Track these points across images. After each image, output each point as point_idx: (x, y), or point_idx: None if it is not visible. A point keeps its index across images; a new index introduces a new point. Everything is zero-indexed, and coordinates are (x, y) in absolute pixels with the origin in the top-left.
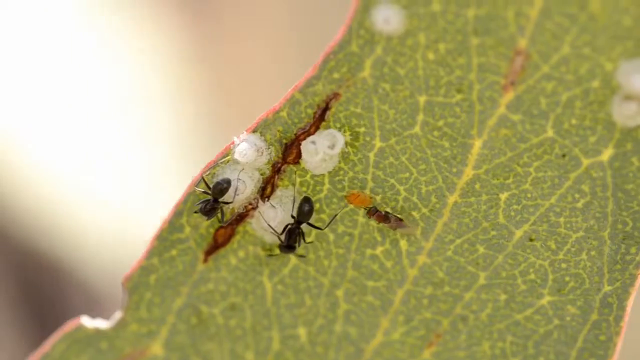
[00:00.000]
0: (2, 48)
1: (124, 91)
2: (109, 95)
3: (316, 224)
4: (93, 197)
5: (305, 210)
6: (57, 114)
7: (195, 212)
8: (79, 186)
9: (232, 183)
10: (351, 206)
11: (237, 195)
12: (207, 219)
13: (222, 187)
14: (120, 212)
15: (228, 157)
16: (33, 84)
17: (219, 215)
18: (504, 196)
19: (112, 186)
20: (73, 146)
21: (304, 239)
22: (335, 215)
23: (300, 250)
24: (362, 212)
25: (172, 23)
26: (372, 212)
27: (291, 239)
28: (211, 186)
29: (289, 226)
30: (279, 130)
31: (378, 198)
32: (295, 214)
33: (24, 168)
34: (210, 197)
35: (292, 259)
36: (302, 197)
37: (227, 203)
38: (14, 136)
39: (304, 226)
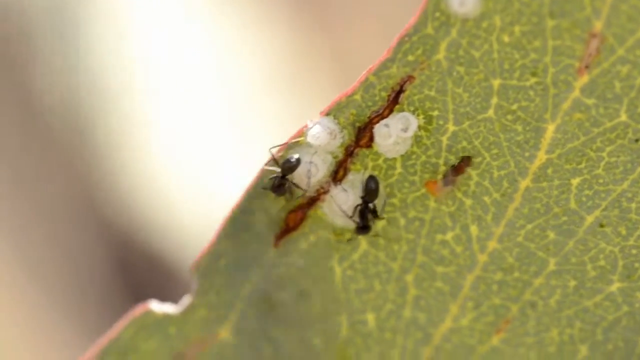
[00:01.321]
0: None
1: (224, 79)
2: (202, 80)
3: (388, 208)
4: (188, 183)
5: (371, 188)
6: (149, 100)
7: (264, 187)
8: (174, 173)
9: (304, 165)
10: (423, 191)
11: (310, 178)
12: (276, 195)
13: (291, 165)
14: (213, 198)
15: (301, 140)
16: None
17: (288, 195)
18: (575, 181)
19: (206, 172)
20: (161, 131)
21: (375, 215)
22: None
23: (371, 233)
24: (433, 196)
25: (277, 12)
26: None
27: (364, 219)
28: (280, 163)
29: (359, 207)
30: (352, 114)
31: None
32: (362, 194)
33: (118, 157)
34: (279, 174)
35: (363, 243)
36: (367, 176)
37: (299, 188)
38: (105, 124)
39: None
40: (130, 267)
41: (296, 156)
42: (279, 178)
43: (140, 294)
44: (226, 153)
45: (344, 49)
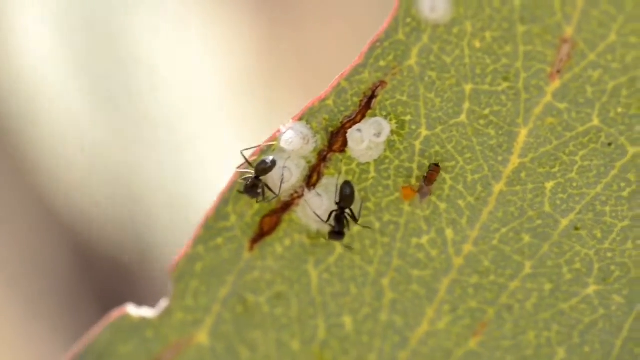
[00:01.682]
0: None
1: (190, 85)
2: (173, 88)
3: (363, 212)
4: (153, 185)
5: (346, 193)
6: (124, 110)
7: (239, 191)
8: (143, 175)
9: (278, 170)
10: (397, 195)
11: (283, 183)
12: (249, 197)
13: (266, 166)
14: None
15: (274, 145)
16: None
17: (261, 198)
18: (549, 185)
19: (175, 175)
20: (135, 135)
21: (354, 220)
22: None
23: (346, 239)
24: (407, 200)
25: (241, 12)
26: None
27: (340, 224)
28: (255, 165)
29: (334, 213)
30: (325, 119)
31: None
32: (337, 200)
33: (95, 161)
34: (253, 175)
35: (338, 247)
36: (342, 182)
37: (272, 192)
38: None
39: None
40: (93, 269)
41: (271, 158)
42: (253, 179)
43: (103, 295)
44: (194, 155)
45: (311, 48)
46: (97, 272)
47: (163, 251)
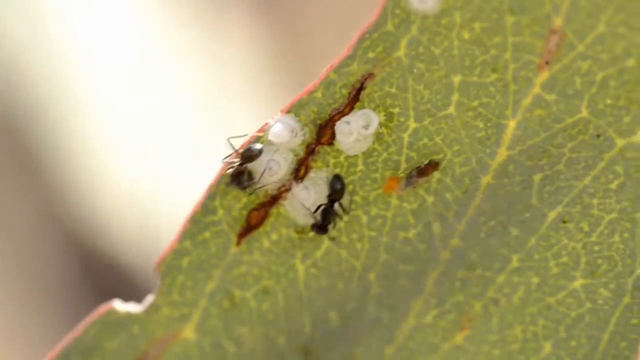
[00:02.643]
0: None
1: (189, 84)
2: (173, 89)
3: (350, 206)
4: (132, 179)
5: (336, 187)
6: (107, 103)
7: (226, 184)
8: (118, 169)
9: (266, 163)
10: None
11: (271, 176)
12: (234, 186)
13: (252, 153)
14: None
15: (262, 138)
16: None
17: (249, 189)
18: (537, 177)
19: (152, 170)
20: (117, 133)
21: (345, 212)
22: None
23: (333, 233)
24: (395, 194)
25: (239, 18)
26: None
27: (326, 218)
28: (241, 152)
29: (323, 206)
30: (313, 111)
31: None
32: (327, 193)
33: (90, 166)
34: (239, 163)
35: (325, 241)
36: (332, 175)
37: (258, 182)
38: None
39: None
40: (92, 271)
41: (259, 146)
42: (238, 166)
43: (103, 297)
44: (182, 153)
45: (297, 42)
46: (98, 273)
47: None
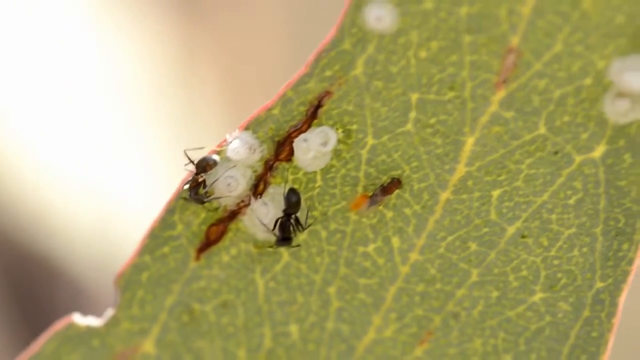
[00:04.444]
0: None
1: (119, 85)
2: (103, 89)
3: (309, 221)
4: (84, 192)
5: (292, 201)
6: (49, 108)
7: (184, 198)
8: (69, 180)
9: (224, 180)
10: (344, 203)
11: (229, 192)
12: (191, 199)
13: (206, 163)
14: (111, 207)
15: (221, 155)
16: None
17: (207, 203)
18: (496, 193)
19: (103, 181)
20: (66, 141)
21: (299, 228)
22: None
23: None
24: (354, 210)
25: (166, 19)
26: (394, 182)
27: (285, 231)
28: (196, 162)
29: (280, 220)
30: (271, 128)
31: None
32: (283, 207)
33: (16, 164)
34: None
35: (285, 256)
36: (288, 189)
37: (211, 195)
38: (7, 131)
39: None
40: (18, 273)
41: (215, 157)
42: (194, 175)
43: (29, 302)
44: (140, 166)
45: (233, 50)
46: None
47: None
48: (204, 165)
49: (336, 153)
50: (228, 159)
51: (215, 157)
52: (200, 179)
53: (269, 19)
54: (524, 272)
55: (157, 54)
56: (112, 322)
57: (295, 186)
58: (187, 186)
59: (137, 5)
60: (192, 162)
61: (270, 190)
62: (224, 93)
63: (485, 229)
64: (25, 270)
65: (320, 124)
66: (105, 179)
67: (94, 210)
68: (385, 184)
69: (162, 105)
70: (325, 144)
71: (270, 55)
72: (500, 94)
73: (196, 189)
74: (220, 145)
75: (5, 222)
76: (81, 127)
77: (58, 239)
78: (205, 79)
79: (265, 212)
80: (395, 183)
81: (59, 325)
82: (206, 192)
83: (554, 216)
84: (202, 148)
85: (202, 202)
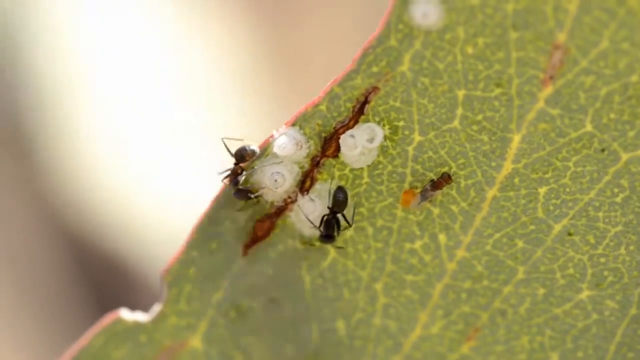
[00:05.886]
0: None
1: (187, 84)
2: (171, 87)
3: (356, 217)
4: (159, 192)
5: (339, 199)
6: (120, 108)
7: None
8: (144, 182)
9: (271, 176)
10: (391, 200)
11: (276, 188)
12: (233, 193)
13: (244, 153)
14: (187, 208)
15: (268, 151)
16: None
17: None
18: (542, 190)
19: (178, 182)
20: (139, 143)
21: (348, 224)
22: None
23: (339, 242)
24: (400, 206)
25: (236, 17)
26: (445, 177)
27: (329, 228)
28: (234, 152)
29: (325, 217)
30: (318, 124)
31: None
32: (330, 205)
33: (88, 163)
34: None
35: (331, 252)
36: (336, 187)
37: (252, 194)
38: (80, 131)
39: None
40: (89, 271)
41: (253, 146)
42: (233, 167)
43: (101, 298)
44: (183, 156)
45: (301, 48)
46: (96, 274)
47: (163, 254)
48: (242, 155)
49: (383, 149)
50: (275, 155)
51: (254, 146)
52: (240, 170)
53: (348, 16)
54: (571, 270)
55: (225, 54)
56: (160, 318)
57: (342, 182)
58: (226, 179)
59: (207, 3)
60: (229, 152)
61: (317, 186)
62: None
63: (532, 227)
64: (103, 271)
65: (367, 120)
66: (176, 178)
67: (170, 208)
68: (435, 179)
69: (225, 105)
70: (371, 140)
71: (346, 54)
72: (547, 90)
73: (236, 179)
74: (265, 143)
75: (81, 223)
76: (153, 127)
77: (135, 240)
78: (274, 76)
79: (312, 208)
80: (446, 178)
81: (106, 320)
82: (254, 194)
83: (600, 214)
84: (241, 140)
85: (248, 197)
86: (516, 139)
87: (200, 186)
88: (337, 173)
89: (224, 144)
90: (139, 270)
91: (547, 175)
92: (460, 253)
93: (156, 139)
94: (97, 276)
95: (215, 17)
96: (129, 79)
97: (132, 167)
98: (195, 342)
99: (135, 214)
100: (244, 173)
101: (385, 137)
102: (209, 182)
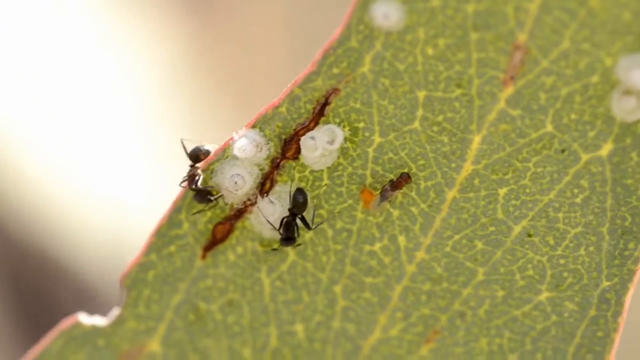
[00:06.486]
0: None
1: (126, 86)
2: (108, 89)
3: (315, 219)
4: (90, 192)
5: (299, 201)
6: (53, 108)
7: (192, 198)
8: (74, 181)
9: (231, 178)
10: (350, 202)
11: (236, 190)
12: (199, 200)
13: (199, 153)
14: (116, 207)
15: (228, 153)
16: (29, 78)
17: (214, 199)
18: (502, 191)
19: (109, 181)
20: (69, 141)
21: (307, 227)
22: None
23: (298, 242)
24: (360, 208)
25: (173, 20)
26: (404, 177)
27: (289, 231)
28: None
29: (285, 219)
30: (278, 126)
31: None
32: (290, 207)
33: (20, 163)
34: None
35: (291, 254)
36: (295, 189)
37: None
38: (12, 131)
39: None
40: (24, 275)
41: (208, 147)
42: (190, 169)
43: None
44: (132, 162)
45: (244, 53)
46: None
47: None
48: (197, 155)
49: (343, 151)
50: (235, 157)
51: (208, 146)
52: (197, 171)
53: (277, 17)
54: (530, 271)
55: (164, 52)
56: (118, 322)
57: (302, 184)
58: (184, 182)
59: (143, 2)
60: (186, 152)
61: (277, 188)
62: (231, 91)
63: (492, 228)
64: (31, 269)
65: (327, 122)
66: (113, 178)
67: (102, 210)
68: (395, 179)
69: (168, 104)
70: (332, 142)
71: (278, 53)
72: (508, 91)
73: (194, 180)
74: (225, 145)
75: (11, 221)
76: (87, 126)
77: (65, 238)
78: (212, 77)
79: (272, 210)
80: (405, 178)
81: (64, 325)
82: (213, 197)
83: (560, 215)
84: (200, 142)
85: (208, 200)
86: (476, 139)
87: (142, 191)
88: (297, 175)
89: (182, 145)
90: (79, 275)
91: (507, 176)
92: (420, 255)
93: (122, 148)
94: (30, 279)
95: (156, 15)
96: (63, 81)
97: (101, 176)
98: (154, 345)
99: (73, 217)
100: (201, 174)
101: (345, 139)
102: (150, 186)
